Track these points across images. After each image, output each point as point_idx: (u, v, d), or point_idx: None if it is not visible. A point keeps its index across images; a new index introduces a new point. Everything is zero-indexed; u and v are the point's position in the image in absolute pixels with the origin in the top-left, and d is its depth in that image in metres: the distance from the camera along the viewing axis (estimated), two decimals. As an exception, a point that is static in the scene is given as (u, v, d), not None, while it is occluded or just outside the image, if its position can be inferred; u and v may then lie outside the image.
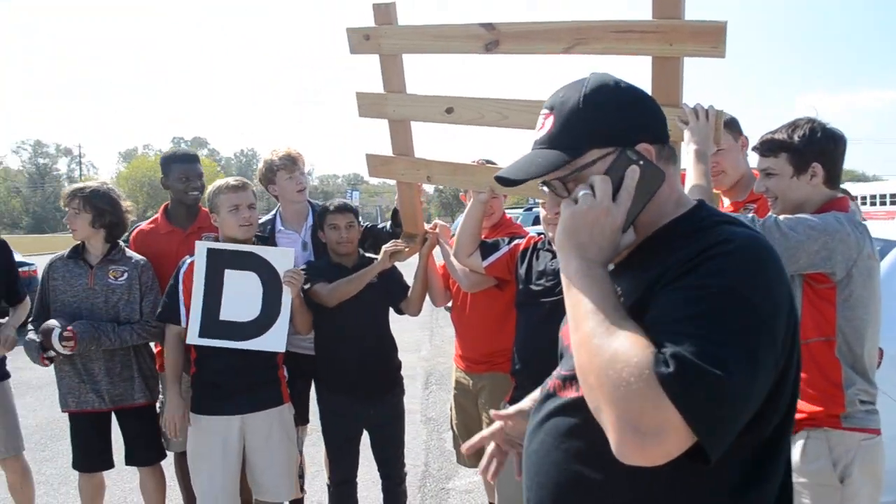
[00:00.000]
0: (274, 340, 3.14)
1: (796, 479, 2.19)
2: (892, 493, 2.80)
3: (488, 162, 3.23)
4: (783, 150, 2.31)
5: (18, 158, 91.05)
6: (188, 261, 3.23)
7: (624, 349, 0.99)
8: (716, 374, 0.93)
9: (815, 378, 2.21)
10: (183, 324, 3.17)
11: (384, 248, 3.30)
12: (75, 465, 3.50)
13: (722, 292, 1.02)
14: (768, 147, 2.35)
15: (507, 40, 2.60)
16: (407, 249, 3.30)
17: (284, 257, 3.15)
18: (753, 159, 2.83)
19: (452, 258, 3.27)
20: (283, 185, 3.59)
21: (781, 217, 2.21)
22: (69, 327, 3.15)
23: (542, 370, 1.46)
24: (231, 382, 3.14)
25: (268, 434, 3.18)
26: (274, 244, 3.58)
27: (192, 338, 3.14)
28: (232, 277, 3.14)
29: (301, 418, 3.71)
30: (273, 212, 3.80)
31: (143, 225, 3.86)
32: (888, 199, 27.88)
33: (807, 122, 2.32)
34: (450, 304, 3.62)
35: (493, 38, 2.62)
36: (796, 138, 2.29)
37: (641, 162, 1.18)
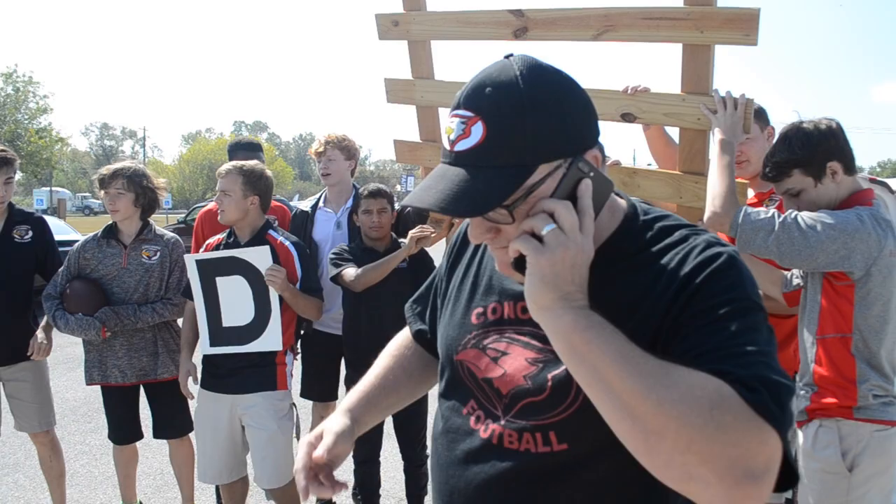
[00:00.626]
0: (271, 340, 3.12)
1: (808, 463, 2.22)
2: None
3: None
4: (794, 167, 2.26)
5: (86, 140, 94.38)
6: (211, 241, 3.35)
7: (699, 385, 0.83)
8: (789, 384, 0.86)
9: (830, 373, 2.21)
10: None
11: (410, 233, 3.31)
12: (110, 437, 3.65)
13: (744, 305, 0.94)
14: (779, 171, 2.29)
15: (535, 27, 2.56)
16: (434, 234, 3.29)
17: (262, 255, 3.08)
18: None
19: None
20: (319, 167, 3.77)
21: (803, 214, 2.16)
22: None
23: None
24: (225, 364, 3.18)
25: (257, 416, 3.16)
26: (312, 220, 3.75)
27: (205, 348, 3.21)
28: (223, 284, 3.15)
29: (329, 395, 3.81)
30: (322, 191, 3.96)
31: (210, 205, 4.01)
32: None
33: (794, 130, 2.27)
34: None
35: (521, 25, 2.58)
36: (797, 150, 2.24)
37: (592, 174, 0.99)
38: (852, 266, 2.12)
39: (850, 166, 2.25)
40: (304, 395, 3.82)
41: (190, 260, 3.21)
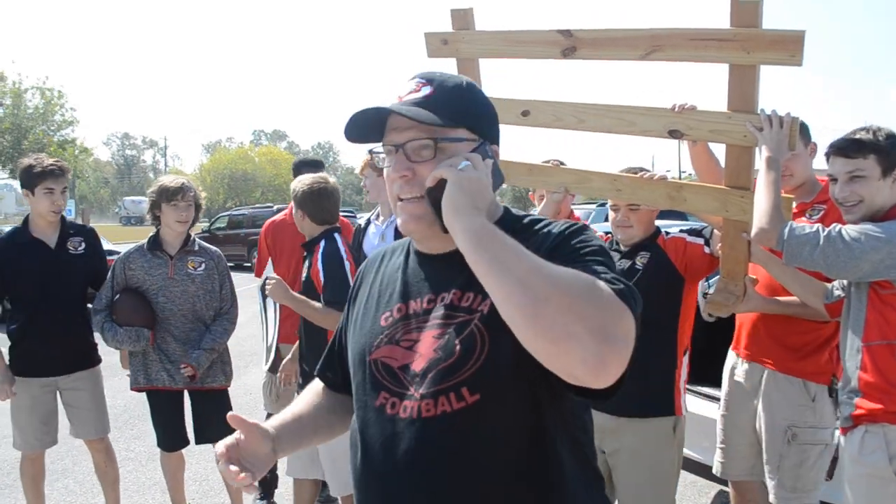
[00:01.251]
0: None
1: (855, 469, 2.28)
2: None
3: (560, 163, 3.29)
4: (872, 152, 2.31)
5: (108, 150, 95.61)
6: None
7: (575, 273, 1.05)
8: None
9: (876, 379, 2.26)
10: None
11: None
12: (159, 444, 3.75)
13: (597, 249, 1.20)
14: (856, 148, 2.33)
15: (584, 46, 2.64)
16: None
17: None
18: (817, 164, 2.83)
19: None
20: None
21: (846, 227, 2.24)
22: (186, 364, 3.49)
23: None
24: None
25: None
26: (364, 233, 3.90)
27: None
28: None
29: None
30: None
31: (278, 217, 4.37)
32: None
33: (877, 127, 2.33)
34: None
35: (570, 45, 2.67)
36: (881, 139, 2.29)
37: (494, 160, 1.31)
38: None
39: None
40: None
41: (258, 290, 3.64)
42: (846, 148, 2.37)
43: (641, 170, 2.84)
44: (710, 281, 3.31)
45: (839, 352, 2.50)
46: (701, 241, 2.78)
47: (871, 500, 2.26)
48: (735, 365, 3.01)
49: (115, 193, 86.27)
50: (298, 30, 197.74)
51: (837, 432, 2.54)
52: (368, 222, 3.96)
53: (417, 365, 1.25)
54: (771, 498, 2.86)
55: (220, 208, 52.51)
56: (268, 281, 3.22)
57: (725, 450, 3.06)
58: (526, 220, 1.35)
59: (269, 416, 3.94)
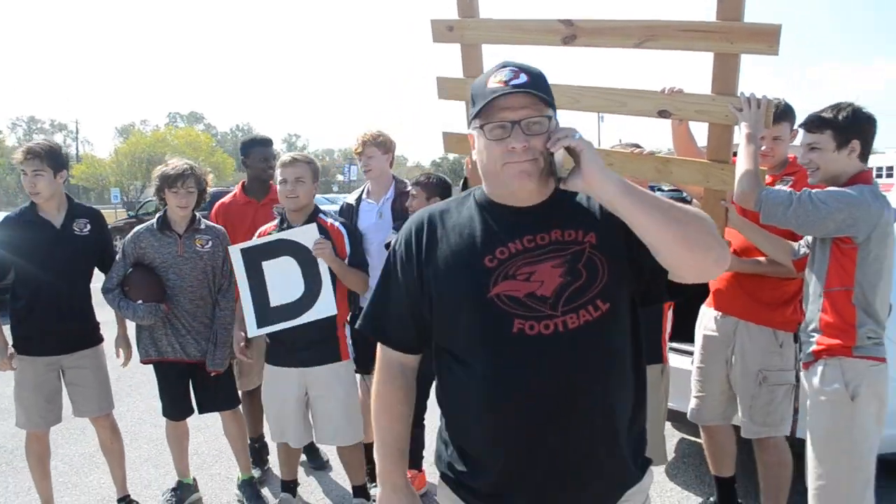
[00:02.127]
0: (325, 308, 3.44)
1: (817, 398, 2.70)
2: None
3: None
4: (828, 128, 2.72)
5: (14, 135, 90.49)
6: (264, 228, 3.63)
7: (682, 205, 1.50)
8: None
9: (834, 319, 2.68)
10: None
11: None
12: (164, 413, 3.89)
13: None
14: (816, 124, 2.75)
15: (583, 35, 2.94)
16: None
17: (308, 234, 3.42)
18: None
19: None
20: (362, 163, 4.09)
21: (814, 191, 2.63)
22: (215, 371, 3.74)
23: None
24: (291, 340, 3.51)
25: (327, 386, 3.54)
26: (357, 212, 4.07)
27: (252, 331, 3.50)
28: (270, 266, 3.46)
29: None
30: (365, 184, 4.28)
31: (225, 199, 4.39)
32: (884, 173, 27.83)
33: (848, 105, 2.74)
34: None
35: (570, 33, 2.96)
36: (840, 117, 2.70)
37: None
38: (857, 232, 2.61)
39: (866, 152, 2.73)
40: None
41: (235, 250, 3.50)
42: (808, 124, 2.80)
43: (634, 146, 3.16)
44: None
45: (802, 304, 2.92)
46: None
47: (833, 421, 2.68)
48: (710, 319, 3.41)
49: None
50: (210, 8, 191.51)
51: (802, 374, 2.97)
52: (359, 201, 4.15)
53: (545, 290, 1.52)
54: (743, 433, 3.28)
55: (138, 193, 50.81)
56: (318, 243, 3.36)
57: (701, 398, 3.46)
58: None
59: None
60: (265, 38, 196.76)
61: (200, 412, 3.91)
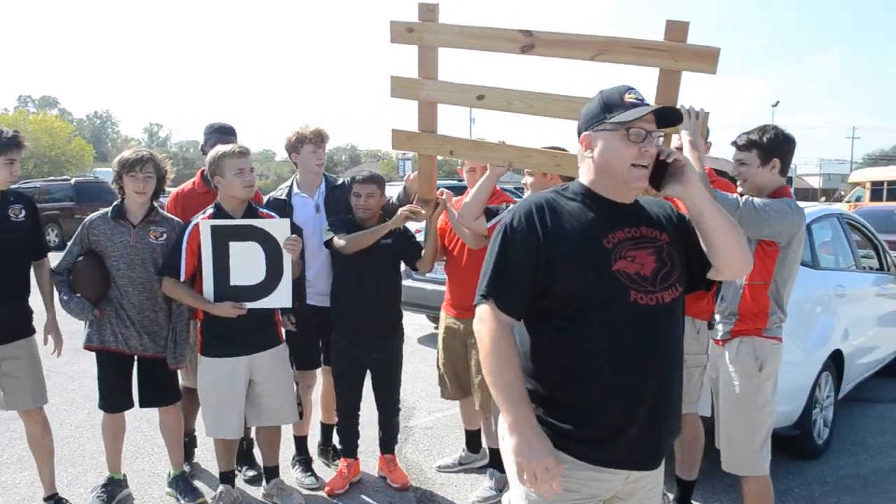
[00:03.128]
0: (280, 299, 3.59)
1: (732, 369, 3.19)
2: (786, 404, 4.08)
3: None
4: (755, 147, 3.13)
5: None
6: (194, 222, 3.58)
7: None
8: None
9: (752, 307, 3.17)
10: (181, 279, 3.55)
11: (401, 209, 3.79)
12: (101, 405, 3.77)
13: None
14: (744, 144, 3.15)
15: (541, 45, 3.18)
16: (424, 212, 3.80)
17: (282, 227, 3.56)
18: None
19: (458, 220, 3.81)
20: (306, 156, 4.10)
21: (755, 199, 3.03)
22: (178, 366, 3.77)
23: None
24: (237, 329, 3.55)
25: (271, 369, 3.67)
26: (291, 206, 4.07)
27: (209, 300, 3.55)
28: (236, 248, 3.53)
29: (313, 364, 4.21)
30: (291, 179, 4.28)
31: (184, 187, 4.28)
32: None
33: (772, 127, 3.17)
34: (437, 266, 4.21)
35: (529, 43, 3.20)
36: (765, 139, 3.10)
37: None
38: (781, 238, 3.05)
39: (784, 169, 3.17)
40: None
41: (206, 225, 3.50)
42: (737, 142, 3.21)
43: (558, 148, 3.46)
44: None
45: (715, 297, 3.34)
46: None
47: (742, 388, 3.15)
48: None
49: None
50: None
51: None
52: (290, 195, 4.17)
53: (646, 271, 1.89)
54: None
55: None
56: (291, 240, 3.50)
57: None
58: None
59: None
60: (126, 23, 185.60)
61: (142, 406, 3.82)
